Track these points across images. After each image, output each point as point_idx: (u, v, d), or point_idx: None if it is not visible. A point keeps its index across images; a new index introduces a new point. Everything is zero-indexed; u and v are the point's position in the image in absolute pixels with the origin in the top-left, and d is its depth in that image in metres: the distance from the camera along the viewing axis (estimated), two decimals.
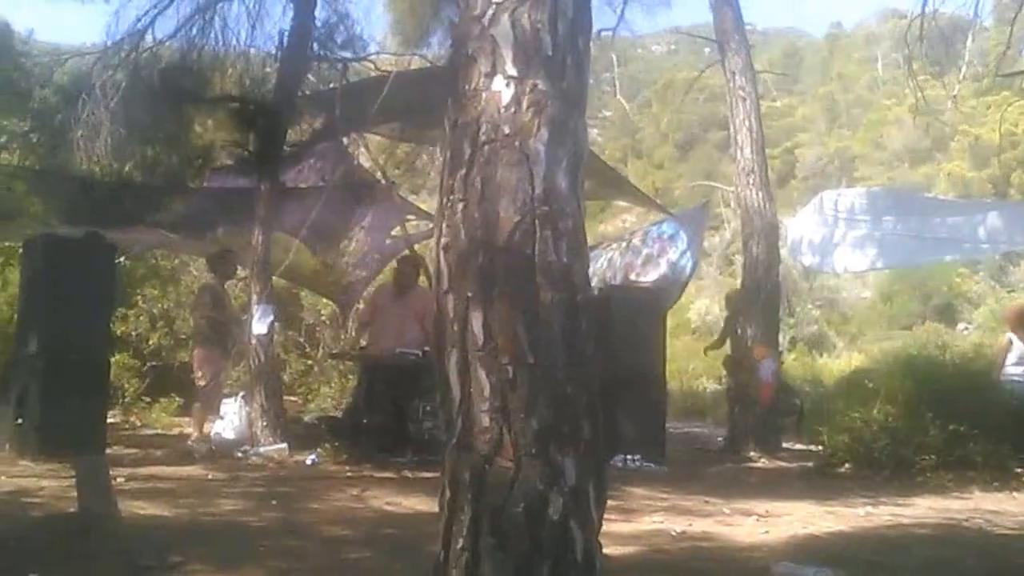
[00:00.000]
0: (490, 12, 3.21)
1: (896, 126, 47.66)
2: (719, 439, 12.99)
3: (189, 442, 10.19)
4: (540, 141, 3.09)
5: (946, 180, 39.38)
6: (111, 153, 10.18)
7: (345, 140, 12.71)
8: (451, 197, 3.15)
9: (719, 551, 5.98)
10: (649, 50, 74.81)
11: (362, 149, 14.17)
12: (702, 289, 29.88)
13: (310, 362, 15.21)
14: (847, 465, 10.03)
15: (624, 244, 14.05)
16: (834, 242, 12.41)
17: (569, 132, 3.17)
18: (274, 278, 11.03)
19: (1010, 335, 11.09)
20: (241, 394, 10.82)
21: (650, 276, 13.06)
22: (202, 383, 10.33)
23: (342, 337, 14.73)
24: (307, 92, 11.42)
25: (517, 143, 3.09)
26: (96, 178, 10.67)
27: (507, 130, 3.10)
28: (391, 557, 5.39)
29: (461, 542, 3.03)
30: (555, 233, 3.09)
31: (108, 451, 8.67)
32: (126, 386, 12.61)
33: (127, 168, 10.98)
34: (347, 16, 11.75)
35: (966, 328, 28.51)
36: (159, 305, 14.39)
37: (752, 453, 11.70)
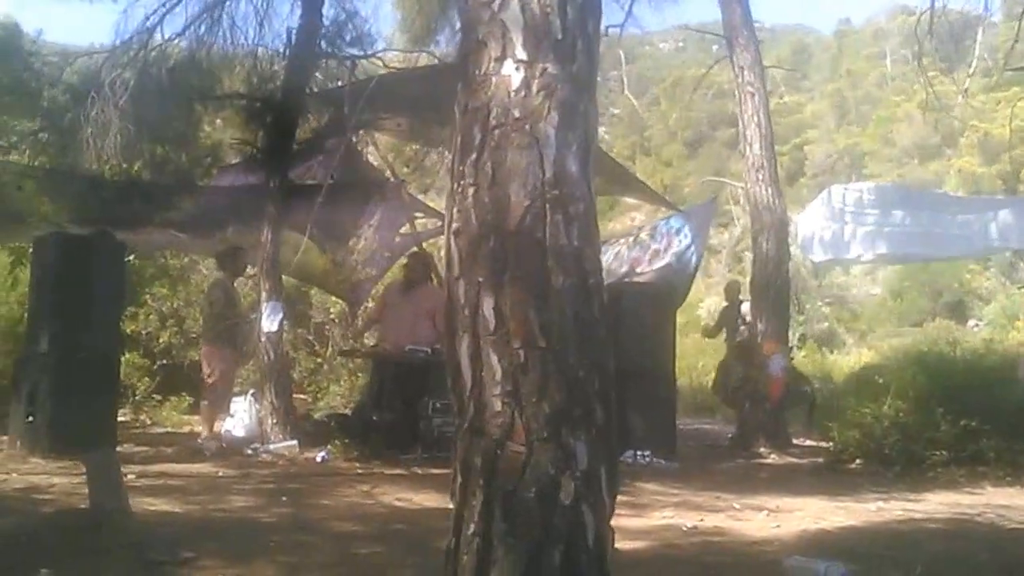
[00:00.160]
0: None
1: (906, 122, 47.51)
2: (728, 435, 12.97)
3: (199, 440, 10.20)
4: (550, 125, 3.09)
5: (956, 176, 39.22)
6: (120, 152, 10.18)
7: (354, 138, 12.71)
8: (462, 182, 3.15)
9: (730, 545, 5.98)
10: (657, 48, 74.72)
11: (371, 147, 14.20)
12: (711, 286, 29.87)
13: (319, 360, 15.21)
14: (858, 461, 10.03)
15: (632, 239, 14.04)
16: (844, 238, 12.36)
17: (579, 116, 3.16)
18: (283, 276, 11.04)
19: None
20: (251, 392, 10.85)
21: (655, 265, 13.02)
22: (211, 380, 10.33)
23: (351, 335, 14.72)
24: (315, 89, 11.42)
25: (527, 127, 3.08)
26: (105, 177, 10.68)
27: (517, 114, 3.09)
28: (402, 552, 5.41)
29: (472, 527, 3.01)
30: (566, 217, 3.07)
31: (119, 449, 8.67)
32: (136, 384, 12.61)
33: (136, 167, 10.98)
34: (355, 14, 11.75)
35: (977, 325, 28.41)
36: (168, 304, 14.40)
37: (762, 449, 11.67)
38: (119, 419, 10.08)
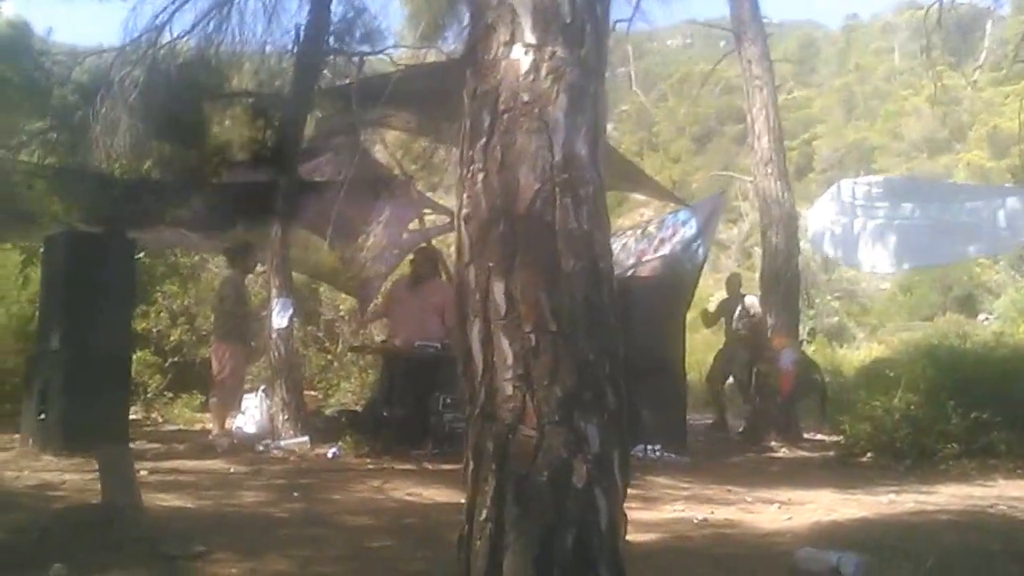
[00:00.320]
0: None
1: (914, 116, 47.45)
2: (739, 430, 12.95)
3: (210, 437, 10.22)
4: (559, 108, 3.09)
5: (965, 170, 39.12)
6: (130, 150, 10.21)
7: (362, 135, 12.73)
8: (471, 167, 3.15)
9: (742, 537, 5.98)
10: (664, 44, 74.62)
11: (379, 144, 14.21)
12: (721, 281, 29.71)
13: (330, 357, 15.23)
14: (869, 454, 10.02)
15: (640, 231, 14.03)
16: (854, 233, 12.35)
17: (589, 99, 3.16)
18: (293, 273, 11.06)
19: None
20: (262, 388, 10.86)
21: (660, 252, 13.01)
22: (222, 377, 10.35)
23: (361, 332, 14.74)
24: (323, 86, 11.44)
25: (536, 111, 3.08)
26: (115, 176, 10.70)
27: (526, 98, 3.09)
28: (413, 546, 5.40)
29: (485, 512, 3.01)
30: (575, 200, 3.07)
31: (131, 446, 8.68)
32: (148, 382, 12.64)
33: (146, 165, 11.01)
34: (364, 10, 11.76)
35: (987, 318, 28.30)
36: (179, 302, 14.42)
37: (773, 443, 11.67)
38: (131, 417, 10.10)
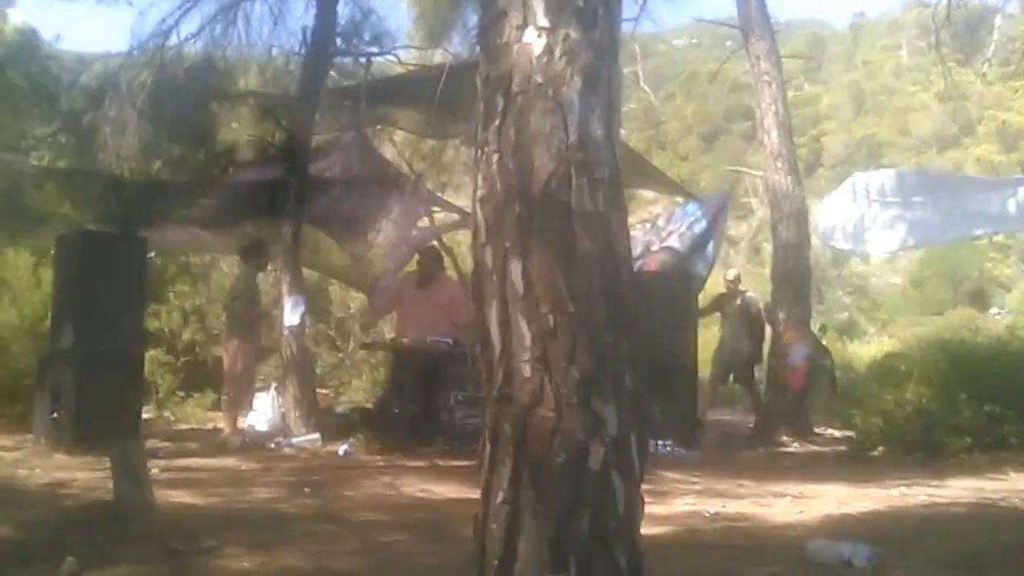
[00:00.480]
0: None
1: (923, 112, 47.40)
2: (749, 424, 12.94)
3: (222, 435, 10.24)
4: (573, 90, 3.08)
5: (975, 164, 39.07)
6: (139, 152, 10.25)
7: (370, 134, 12.78)
8: (485, 149, 3.14)
9: (754, 530, 5.98)
10: (671, 44, 74.59)
11: (388, 143, 14.24)
12: None
13: (341, 355, 15.26)
14: (880, 448, 10.00)
15: (648, 225, 14.03)
16: (865, 225, 12.34)
17: (603, 81, 3.15)
18: (305, 270, 11.08)
19: None
20: (274, 386, 10.88)
21: (668, 243, 13.01)
22: (233, 375, 10.37)
23: (373, 330, 14.77)
24: (331, 87, 11.47)
25: (550, 92, 3.07)
26: (125, 177, 10.74)
27: (540, 80, 3.08)
28: (424, 540, 5.41)
29: (501, 496, 3.00)
30: (591, 181, 3.06)
31: (142, 443, 8.71)
32: (160, 381, 12.67)
33: (155, 166, 11.04)
34: (371, 12, 11.79)
35: (998, 313, 28.24)
36: (191, 301, 14.45)
37: (784, 438, 11.66)
38: (143, 416, 10.13)
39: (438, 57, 13.50)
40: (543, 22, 3.12)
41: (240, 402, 10.51)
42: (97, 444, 7.63)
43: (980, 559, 5.02)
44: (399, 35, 13.15)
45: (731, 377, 13.49)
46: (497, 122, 3.12)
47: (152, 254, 11.58)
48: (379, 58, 12.12)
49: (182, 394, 12.78)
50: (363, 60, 11.70)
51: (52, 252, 10.30)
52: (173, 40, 10.72)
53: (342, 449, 9.39)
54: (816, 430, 12.33)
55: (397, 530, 5.75)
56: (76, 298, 9.10)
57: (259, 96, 11.63)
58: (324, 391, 13.08)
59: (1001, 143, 41.46)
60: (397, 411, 9.97)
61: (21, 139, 13.14)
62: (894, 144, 47.76)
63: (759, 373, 13.28)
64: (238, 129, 11.97)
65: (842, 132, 51.72)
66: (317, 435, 9.81)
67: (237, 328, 10.46)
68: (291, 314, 10.16)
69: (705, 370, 13.04)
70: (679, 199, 14.43)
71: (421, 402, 9.94)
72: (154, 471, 6.69)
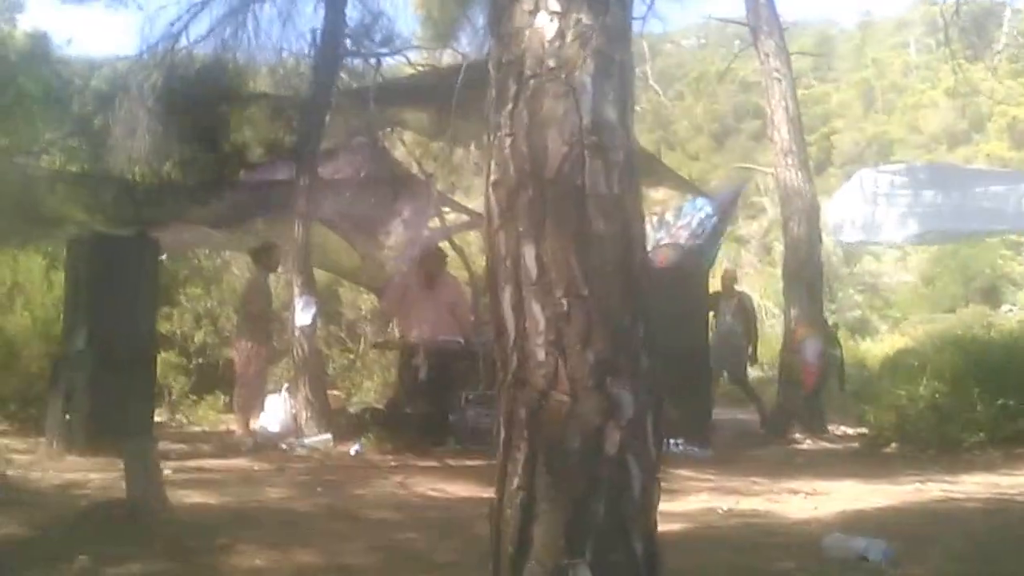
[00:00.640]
0: None
1: (932, 109, 47.27)
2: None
3: (234, 436, 10.25)
4: (586, 73, 3.05)
5: (985, 161, 38.92)
6: (150, 153, 10.28)
7: (381, 135, 12.79)
8: (498, 133, 3.11)
9: (768, 526, 5.97)
10: (679, 44, 74.48)
11: (398, 144, 14.26)
12: (742, 277, 29.67)
13: (352, 356, 15.25)
14: (894, 444, 9.97)
15: (657, 219, 14.02)
16: (875, 219, 12.33)
17: (615, 65, 3.12)
18: (316, 271, 11.09)
19: None
20: (285, 386, 10.89)
21: (677, 237, 12.99)
22: (245, 376, 10.38)
23: (385, 331, 14.76)
24: (341, 89, 11.48)
25: (563, 75, 3.04)
26: (136, 178, 10.76)
27: (552, 63, 3.06)
28: (436, 538, 5.41)
29: (516, 481, 2.97)
30: (606, 164, 3.04)
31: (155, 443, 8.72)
32: (172, 384, 12.68)
33: (166, 168, 11.06)
34: (381, 14, 11.81)
35: (1011, 309, 28.11)
36: (202, 304, 14.46)
37: (797, 435, 11.63)
38: (156, 419, 10.14)
39: (446, 58, 13.53)
40: (555, 6, 3.10)
41: (252, 404, 10.50)
42: (110, 445, 7.62)
43: (996, 554, 5.02)
44: (407, 36, 13.18)
45: (724, 375, 13.42)
46: (510, 106, 3.10)
47: (164, 257, 11.60)
48: (388, 58, 12.15)
49: (194, 397, 12.79)
50: (372, 61, 11.71)
51: (64, 255, 10.31)
52: (183, 42, 10.76)
53: (354, 449, 9.40)
54: (829, 427, 12.28)
55: (409, 528, 5.77)
56: (89, 300, 9.12)
57: (269, 98, 11.66)
58: (336, 393, 13.06)
59: (1012, 140, 41.31)
60: (408, 411, 9.95)
61: (33, 143, 13.19)
62: (904, 142, 47.59)
63: (770, 371, 13.26)
64: (249, 130, 11.98)
65: (852, 130, 51.56)
66: (329, 435, 9.82)
67: (249, 330, 10.47)
68: (302, 314, 10.17)
69: None
70: (690, 197, 14.40)
71: (432, 402, 9.92)
72: (167, 472, 6.69)
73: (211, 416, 12.41)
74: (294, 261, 10.51)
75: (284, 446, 9.71)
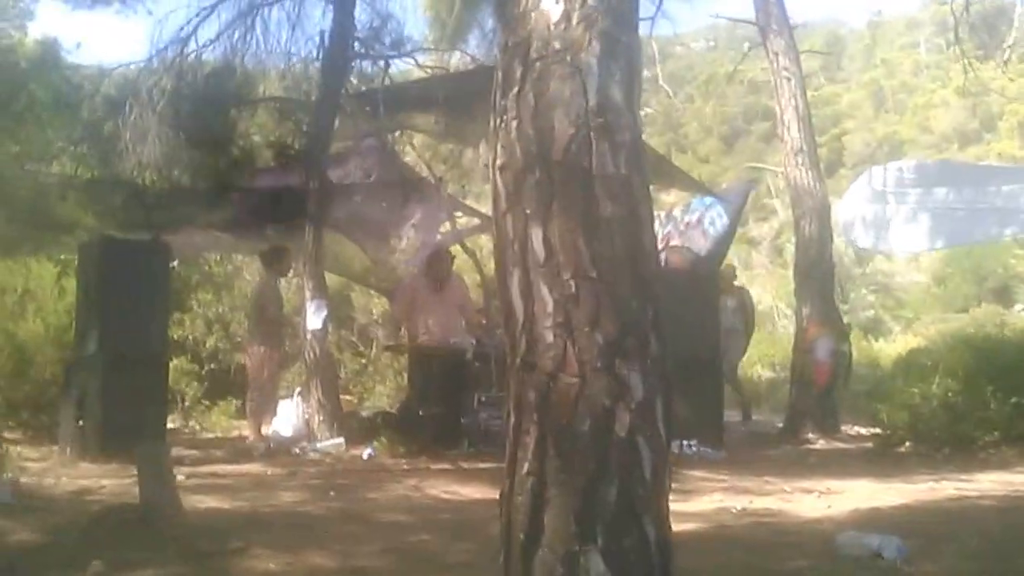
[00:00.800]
0: None
1: (943, 109, 47.20)
2: (778, 424, 12.85)
3: (247, 442, 10.26)
4: (592, 55, 3.04)
5: (997, 160, 38.84)
6: (160, 158, 10.30)
7: (390, 139, 12.80)
8: (504, 117, 3.10)
9: (782, 525, 5.96)
10: (688, 47, 74.45)
11: (407, 147, 14.27)
12: (753, 278, 29.64)
13: (364, 361, 15.26)
14: (907, 444, 9.92)
15: (665, 215, 14.01)
16: (886, 219, 12.29)
17: (622, 47, 3.11)
18: (327, 275, 11.10)
19: None
20: (297, 390, 10.89)
21: (687, 235, 12.98)
22: (258, 381, 10.40)
23: (399, 334, 14.78)
24: (350, 92, 11.50)
25: (568, 57, 3.04)
26: (146, 184, 10.79)
27: (558, 45, 3.05)
28: (449, 540, 5.42)
29: (526, 466, 2.95)
30: (613, 145, 3.02)
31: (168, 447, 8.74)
32: (185, 390, 12.69)
33: (176, 172, 11.09)
34: (390, 16, 11.84)
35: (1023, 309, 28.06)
36: (214, 309, 14.50)
37: (810, 435, 11.60)
38: (169, 426, 10.14)
39: (455, 60, 13.55)
40: None
41: (264, 408, 10.52)
42: (123, 451, 7.63)
43: (1011, 551, 4.99)
44: (417, 39, 13.19)
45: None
46: (516, 89, 3.09)
47: (175, 263, 11.64)
48: (397, 60, 12.17)
49: (207, 403, 12.80)
50: (381, 64, 11.73)
51: (76, 261, 10.34)
52: (192, 47, 10.79)
53: (366, 453, 9.39)
54: (842, 427, 12.24)
55: (423, 530, 5.76)
56: (100, 305, 9.14)
57: (278, 101, 11.68)
58: (348, 397, 13.08)
59: (1023, 138, 41.27)
60: (421, 414, 9.95)
61: (44, 150, 13.23)
62: (915, 142, 47.55)
63: (782, 372, 13.23)
64: (258, 134, 12.01)
65: (863, 131, 51.53)
66: (341, 439, 9.81)
67: (261, 334, 10.49)
68: (314, 317, 10.18)
69: None
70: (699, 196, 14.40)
71: (444, 404, 9.91)
72: (180, 477, 6.70)
73: (224, 422, 12.43)
74: (305, 265, 10.52)
75: (297, 450, 9.72)
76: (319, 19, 11.87)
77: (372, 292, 14.83)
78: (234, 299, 14.76)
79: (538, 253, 2.98)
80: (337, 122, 11.14)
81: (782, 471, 8.61)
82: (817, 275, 12.36)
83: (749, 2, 13.38)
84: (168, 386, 10.26)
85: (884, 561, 4.67)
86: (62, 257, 11.89)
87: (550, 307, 2.95)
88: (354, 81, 11.72)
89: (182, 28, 10.66)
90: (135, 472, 5.77)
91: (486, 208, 12.99)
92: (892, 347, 21.96)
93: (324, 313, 10.28)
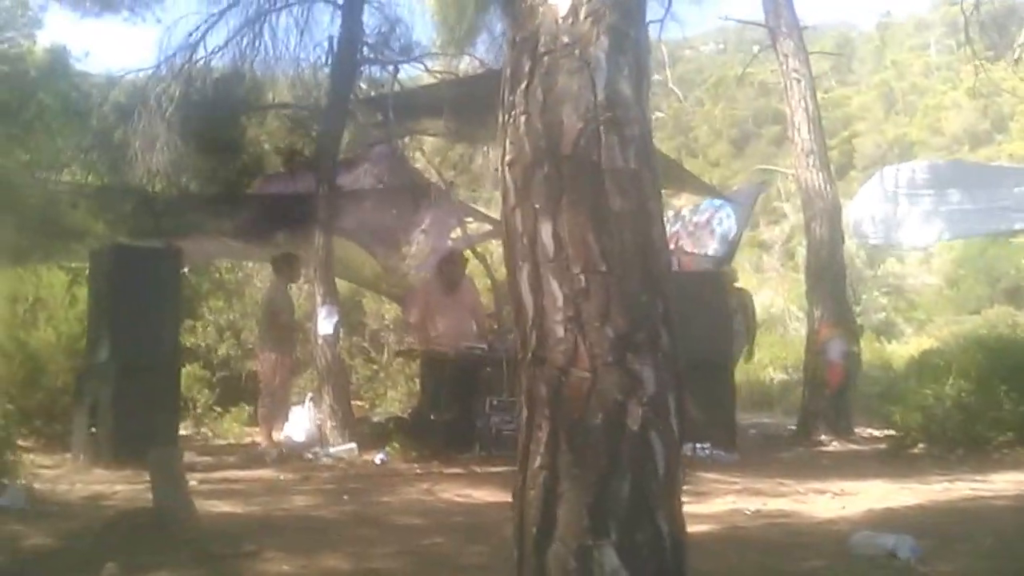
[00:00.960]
0: None
1: (954, 110, 47.07)
2: (791, 426, 12.81)
3: (259, 448, 10.27)
4: (600, 49, 3.04)
5: (1008, 161, 38.74)
6: (169, 165, 10.32)
7: (400, 144, 12.82)
8: (513, 112, 3.10)
9: (796, 526, 5.95)
10: (698, 50, 74.45)
11: (417, 153, 14.29)
12: (765, 282, 29.57)
13: (376, 367, 15.24)
14: (921, 445, 9.88)
15: (673, 214, 13.99)
16: (897, 218, 12.26)
17: (630, 41, 3.10)
18: (338, 281, 11.10)
19: None
20: (309, 396, 10.90)
21: (696, 236, 12.97)
22: (270, 387, 10.41)
23: (409, 340, 14.78)
24: (359, 97, 11.52)
25: (577, 52, 3.03)
26: (156, 191, 10.82)
27: (566, 40, 3.05)
28: (462, 543, 5.41)
29: (539, 460, 2.94)
30: (622, 139, 3.02)
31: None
32: (197, 397, 12.69)
33: (185, 179, 11.12)
34: (398, 21, 11.86)
35: None
36: (225, 316, 14.51)
37: (823, 437, 11.56)
38: (181, 433, 10.15)
39: (464, 65, 13.55)
40: None
41: (276, 414, 10.52)
42: (136, 457, 7.63)
43: None
44: (425, 44, 13.21)
45: None
46: (524, 84, 3.08)
47: (186, 269, 11.65)
48: (406, 65, 12.18)
49: (219, 410, 12.81)
50: (390, 69, 11.74)
51: (87, 269, 10.36)
52: (200, 54, 10.81)
53: (378, 458, 9.40)
54: (856, 429, 12.20)
55: (436, 533, 5.76)
56: (112, 312, 9.16)
57: (287, 108, 11.70)
58: (360, 403, 13.09)
59: None
60: (433, 418, 9.94)
61: (54, 158, 13.26)
62: (926, 143, 47.38)
63: (795, 374, 13.19)
64: (267, 141, 12.03)
65: (873, 133, 51.39)
66: (353, 444, 9.81)
67: (272, 340, 10.50)
68: (325, 323, 10.18)
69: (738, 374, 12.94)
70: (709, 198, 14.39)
71: (457, 409, 9.91)
72: (193, 483, 6.71)
73: (236, 429, 12.42)
74: (316, 271, 10.53)
75: (309, 456, 9.71)
76: (327, 25, 11.87)
77: (383, 298, 14.81)
78: (245, 306, 14.76)
79: (547, 247, 2.98)
80: (346, 128, 11.15)
81: (795, 473, 8.60)
82: (829, 277, 12.33)
83: (758, 4, 13.37)
84: (180, 393, 10.26)
85: (898, 561, 4.66)
86: (73, 265, 11.88)
87: (560, 301, 2.95)
88: (363, 86, 11.75)
89: (190, 35, 10.70)
90: (148, 478, 5.79)
91: (496, 213, 13.01)
92: (905, 349, 21.91)
93: (335, 319, 10.28)
